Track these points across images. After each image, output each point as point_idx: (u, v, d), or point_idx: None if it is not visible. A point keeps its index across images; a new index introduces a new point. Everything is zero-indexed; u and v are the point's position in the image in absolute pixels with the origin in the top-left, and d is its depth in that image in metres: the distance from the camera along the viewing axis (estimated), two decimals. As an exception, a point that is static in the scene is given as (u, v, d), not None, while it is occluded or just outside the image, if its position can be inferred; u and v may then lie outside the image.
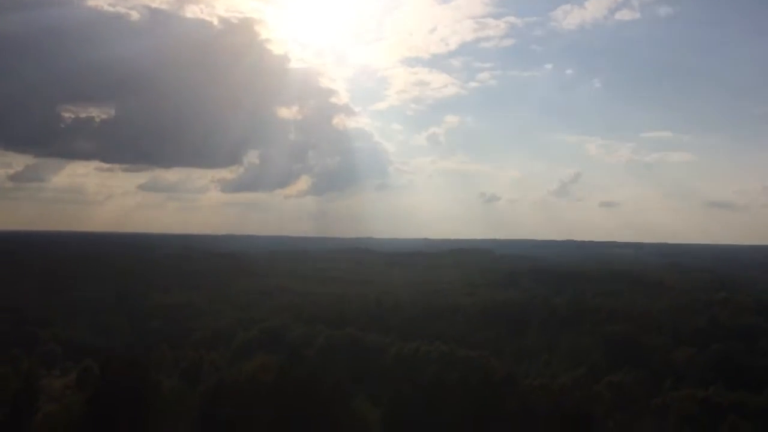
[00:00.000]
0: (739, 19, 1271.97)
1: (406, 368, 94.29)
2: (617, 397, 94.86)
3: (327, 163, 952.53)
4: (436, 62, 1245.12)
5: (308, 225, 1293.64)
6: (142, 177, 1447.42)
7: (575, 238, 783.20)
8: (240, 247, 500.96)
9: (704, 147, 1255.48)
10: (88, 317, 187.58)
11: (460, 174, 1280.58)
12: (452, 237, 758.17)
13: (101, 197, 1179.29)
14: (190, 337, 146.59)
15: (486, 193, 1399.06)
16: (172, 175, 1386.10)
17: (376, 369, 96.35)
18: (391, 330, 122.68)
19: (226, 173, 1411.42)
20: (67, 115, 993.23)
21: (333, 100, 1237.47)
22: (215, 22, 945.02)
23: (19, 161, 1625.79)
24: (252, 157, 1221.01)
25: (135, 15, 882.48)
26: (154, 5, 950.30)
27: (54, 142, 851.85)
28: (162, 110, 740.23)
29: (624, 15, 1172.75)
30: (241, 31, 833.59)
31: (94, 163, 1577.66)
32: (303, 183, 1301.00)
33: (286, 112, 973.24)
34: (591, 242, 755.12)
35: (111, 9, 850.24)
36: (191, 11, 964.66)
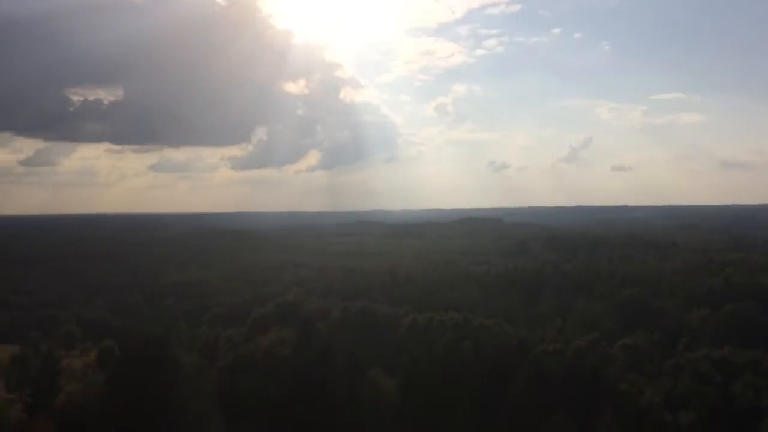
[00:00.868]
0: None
1: (421, 338, 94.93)
2: (631, 359, 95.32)
3: (335, 137, 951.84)
4: (442, 31, 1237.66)
5: (319, 200, 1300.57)
6: (153, 157, 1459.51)
7: (586, 203, 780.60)
8: (252, 223, 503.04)
9: (717, 107, 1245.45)
10: (104, 298, 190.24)
11: (469, 143, 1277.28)
12: (463, 207, 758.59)
13: (112, 179, 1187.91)
14: (206, 314, 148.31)
15: (496, 161, 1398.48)
16: (182, 155, 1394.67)
17: (391, 340, 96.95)
18: (404, 301, 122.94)
19: (236, 151, 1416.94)
20: (75, 98, 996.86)
21: (338, 73, 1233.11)
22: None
23: (29, 146, 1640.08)
24: (260, 133, 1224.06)
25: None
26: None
27: (63, 125, 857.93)
28: (169, 90, 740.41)
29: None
30: (244, 6, 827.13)
31: (104, 145, 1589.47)
32: (312, 158, 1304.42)
33: (292, 87, 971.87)
34: (603, 207, 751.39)
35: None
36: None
